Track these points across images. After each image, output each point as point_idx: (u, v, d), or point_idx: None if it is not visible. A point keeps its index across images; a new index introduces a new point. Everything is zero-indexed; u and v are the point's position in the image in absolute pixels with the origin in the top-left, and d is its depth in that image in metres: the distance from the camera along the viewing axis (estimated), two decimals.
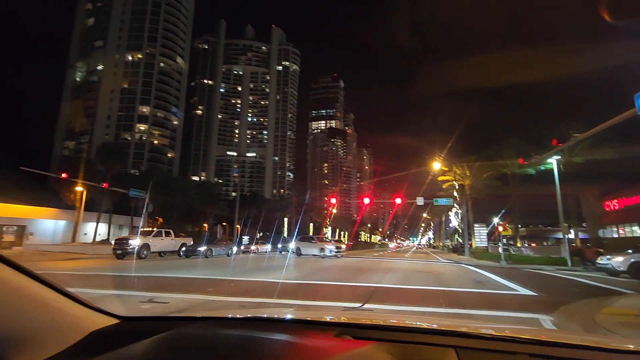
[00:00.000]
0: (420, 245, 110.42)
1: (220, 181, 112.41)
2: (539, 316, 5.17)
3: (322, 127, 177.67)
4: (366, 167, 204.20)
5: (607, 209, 32.67)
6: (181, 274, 10.59)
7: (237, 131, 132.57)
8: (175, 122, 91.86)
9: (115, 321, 1.26)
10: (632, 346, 1.11)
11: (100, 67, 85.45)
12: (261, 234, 50.91)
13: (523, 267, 17.75)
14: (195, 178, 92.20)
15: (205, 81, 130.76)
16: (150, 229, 23.45)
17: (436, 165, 29.00)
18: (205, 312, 2.45)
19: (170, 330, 1.20)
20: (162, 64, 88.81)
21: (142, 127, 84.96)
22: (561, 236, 22.32)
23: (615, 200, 31.91)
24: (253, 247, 32.29)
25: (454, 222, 47.04)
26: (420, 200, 29.70)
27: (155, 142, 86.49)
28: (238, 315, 1.61)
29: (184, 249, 20.06)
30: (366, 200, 34.26)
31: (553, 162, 18.86)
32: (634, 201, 29.56)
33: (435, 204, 31.87)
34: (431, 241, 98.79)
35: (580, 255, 18.04)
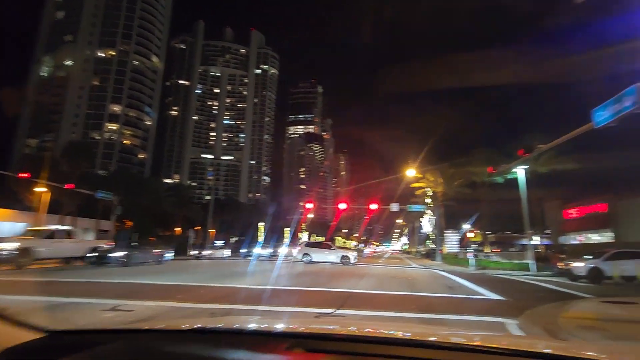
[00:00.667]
0: (395, 250, 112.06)
1: (194, 184, 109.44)
2: (505, 320, 5.34)
3: (300, 132, 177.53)
4: (342, 173, 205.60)
5: (568, 217, 34.45)
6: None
7: (213, 133, 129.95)
8: (148, 122, 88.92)
9: (39, 335, 1.14)
10: (605, 356, 1.09)
11: (69, 63, 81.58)
12: (236, 238, 50.00)
13: (492, 272, 18.37)
14: (169, 180, 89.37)
15: (181, 81, 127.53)
16: (41, 228, 17.27)
17: (410, 172, 29.59)
18: (150, 323, 2.30)
19: (100, 345, 1.10)
20: (136, 62, 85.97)
21: (113, 126, 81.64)
22: (527, 242, 23.31)
23: (575, 209, 33.68)
24: (206, 252, 29.13)
25: (427, 227, 48.17)
26: (394, 206, 30.26)
27: (126, 142, 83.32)
28: (182, 327, 1.41)
29: (95, 254, 15.72)
30: (342, 206, 34.34)
31: (519, 171, 19.70)
32: (591, 210, 31.33)
33: (409, 210, 32.55)
34: (405, 247, 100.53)
35: (545, 261, 18.97)
